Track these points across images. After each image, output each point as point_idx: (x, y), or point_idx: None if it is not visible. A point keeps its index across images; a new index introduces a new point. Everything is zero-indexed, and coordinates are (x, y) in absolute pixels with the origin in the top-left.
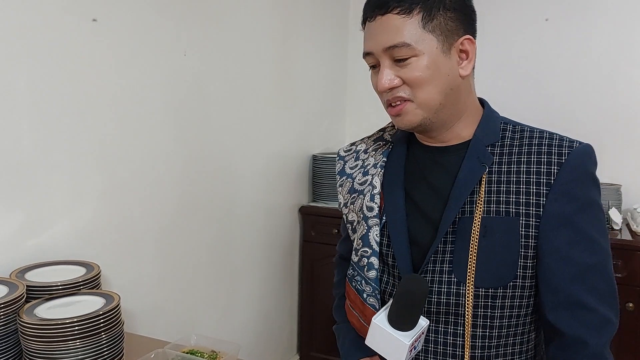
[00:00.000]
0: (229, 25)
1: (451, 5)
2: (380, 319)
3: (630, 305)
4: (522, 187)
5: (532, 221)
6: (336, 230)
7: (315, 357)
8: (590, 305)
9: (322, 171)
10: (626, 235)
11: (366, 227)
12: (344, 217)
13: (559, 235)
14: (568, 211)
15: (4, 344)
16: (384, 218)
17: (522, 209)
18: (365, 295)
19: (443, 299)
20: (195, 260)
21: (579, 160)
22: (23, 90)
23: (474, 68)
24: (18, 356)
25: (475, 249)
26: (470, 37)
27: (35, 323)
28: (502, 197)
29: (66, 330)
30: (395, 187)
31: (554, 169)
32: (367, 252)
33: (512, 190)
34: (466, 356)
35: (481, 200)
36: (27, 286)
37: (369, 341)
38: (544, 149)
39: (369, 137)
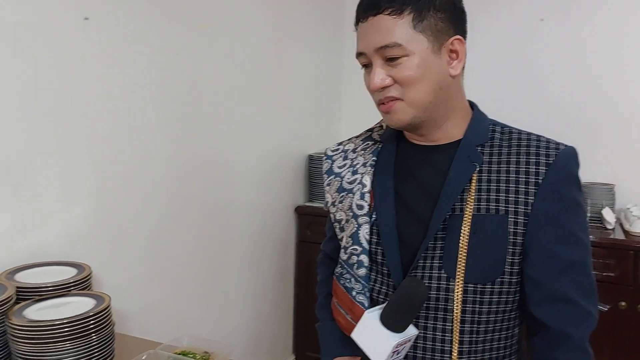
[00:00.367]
0: (222, 24)
1: (441, 7)
2: (373, 315)
3: (623, 304)
4: (512, 186)
5: (521, 219)
6: None
7: (311, 357)
8: (574, 299)
9: (318, 171)
10: (619, 235)
11: (356, 225)
12: (331, 216)
13: (545, 232)
14: (555, 210)
15: None
16: (373, 216)
17: (512, 207)
18: (354, 293)
19: (432, 294)
20: (189, 260)
21: (565, 161)
22: (13, 89)
23: (463, 68)
24: (7, 358)
25: (465, 245)
26: (460, 37)
27: (24, 325)
28: (492, 196)
29: (56, 332)
30: (385, 185)
31: (542, 169)
32: (356, 250)
33: (502, 189)
34: (454, 351)
35: (472, 199)
36: (16, 287)
37: (356, 334)
38: (532, 150)
39: (356, 137)
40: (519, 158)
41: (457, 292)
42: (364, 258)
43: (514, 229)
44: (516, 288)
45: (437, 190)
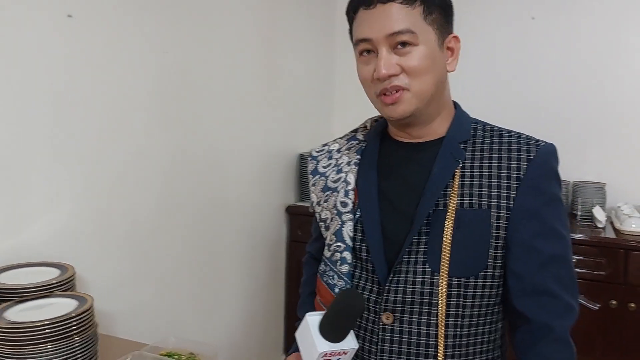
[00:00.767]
0: (212, 22)
1: (443, 3)
2: (313, 319)
3: (614, 302)
4: (494, 182)
5: (503, 213)
6: None
7: None
8: (555, 292)
9: None
10: (610, 234)
11: (340, 223)
12: (317, 215)
13: (527, 226)
14: (536, 204)
15: None
16: (357, 213)
17: (494, 202)
18: (337, 290)
19: (417, 288)
20: (178, 260)
21: (545, 157)
22: None
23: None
24: None
25: (449, 240)
26: (457, 35)
27: (5, 326)
28: (475, 191)
29: (37, 333)
30: (368, 183)
31: (523, 165)
32: (340, 247)
33: (484, 184)
34: (440, 345)
35: (455, 194)
36: None
37: (298, 333)
38: (514, 146)
39: (341, 138)
40: (501, 154)
41: (442, 286)
42: (347, 255)
43: (496, 223)
44: (499, 282)
45: (421, 186)
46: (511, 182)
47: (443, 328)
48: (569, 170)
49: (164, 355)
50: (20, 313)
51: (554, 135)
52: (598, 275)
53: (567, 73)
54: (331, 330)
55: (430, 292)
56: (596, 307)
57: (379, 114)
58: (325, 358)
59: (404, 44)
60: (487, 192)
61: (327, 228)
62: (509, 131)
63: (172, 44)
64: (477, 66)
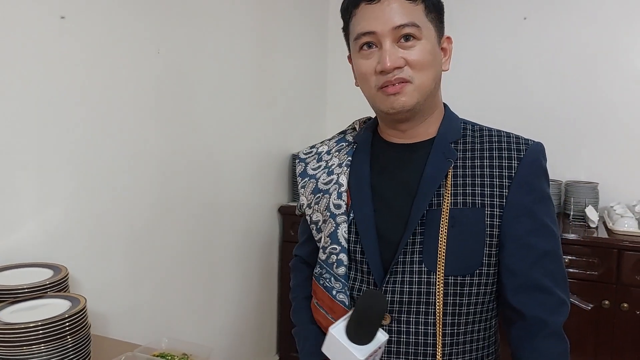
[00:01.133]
0: (205, 22)
1: (439, 4)
2: (337, 330)
3: (607, 302)
4: (486, 180)
5: (497, 211)
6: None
7: (295, 357)
8: (548, 288)
9: None
10: (602, 233)
11: (334, 225)
12: (307, 218)
13: (520, 223)
14: (527, 201)
15: None
16: (351, 215)
17: (487, 200)
18: (334, 292)
19: (414, 288)
20: (171, 261)
21: (534, 155)
22: None
23: None
24: None
25: (444, 239)
26: (449, 36)
27: None
28: (468, 190)
29: (30, 334)
30: (361, 184)
31: (515, 163)
32: (335, 249)
33: (477, 183)
34: (438, 343)
35: (448, 193)
36: None
37: (325, 349)
38: (504, 145)
39: (329, 140)
40: (492, 153)
41: (439, 285)
42: (343, 257)
43: (490, 221)
44: (494, 279)
45: (414, 186)
46: (503, 180)
47: (441, 327)
48: (562, 170)
49: (157, 356)
50: (14, 314)
51: (546, 135)
52: (591, 275)
53: (559, 73)
54: (362, 334)
55: (427, 292)
56: (589, 307)
57: (367, 116)
58: None
59: (408, 37)
60: (480, 191)
61: (320, 230)
62: (498, 130)
63: (165, 45)
64: (469, 66)
